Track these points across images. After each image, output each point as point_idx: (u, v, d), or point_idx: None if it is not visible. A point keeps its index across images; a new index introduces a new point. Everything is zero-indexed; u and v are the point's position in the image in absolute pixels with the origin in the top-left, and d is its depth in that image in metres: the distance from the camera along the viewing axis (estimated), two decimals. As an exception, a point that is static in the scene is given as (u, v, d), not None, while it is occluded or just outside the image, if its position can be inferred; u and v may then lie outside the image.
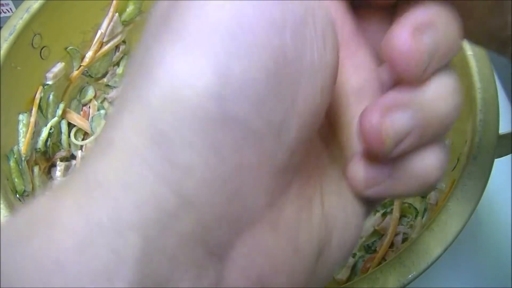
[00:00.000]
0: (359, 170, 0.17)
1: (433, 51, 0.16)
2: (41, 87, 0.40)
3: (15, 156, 0.36)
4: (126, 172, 0.13)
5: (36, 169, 0.40)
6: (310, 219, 0.16)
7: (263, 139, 0.14)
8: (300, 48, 0.14)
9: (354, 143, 0.18)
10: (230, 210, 0.14)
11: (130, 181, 0.13)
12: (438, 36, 0.16)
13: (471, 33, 0.18)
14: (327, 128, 0.18)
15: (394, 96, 0.17)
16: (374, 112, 0.16)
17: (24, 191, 0.36)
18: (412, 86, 0.17)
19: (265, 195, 0.14)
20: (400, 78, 0.17)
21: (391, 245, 0.37)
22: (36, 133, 0.40)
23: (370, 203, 0.18)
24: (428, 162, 0.17)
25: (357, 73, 0.18)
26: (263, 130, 0.14)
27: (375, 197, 0.18)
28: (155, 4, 0.16)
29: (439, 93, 0.17)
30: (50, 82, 0.41)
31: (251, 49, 0.13)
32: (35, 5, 0.37)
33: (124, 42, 0.46)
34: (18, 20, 0.36)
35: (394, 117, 0.16)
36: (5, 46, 0.35)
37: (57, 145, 0.43)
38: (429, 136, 0.17)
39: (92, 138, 0.45)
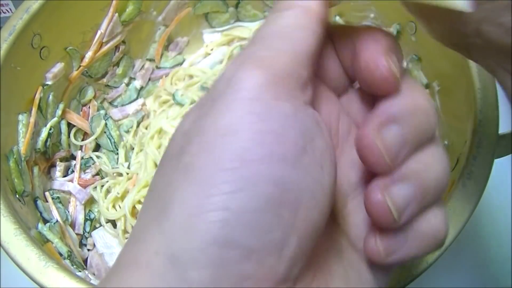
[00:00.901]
0: (376, 243, 0.19)
1: (399, 143, 0.17)
2: (40, 87, 0.40)
3: (14, 156, 0.36)
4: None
5: (35, 169, 0.40)
6: None
7: (263, 256, 0.15)
8: (300, 175, 0.15)
9: (361, 226, 0.20)
10: None
11: None
12: (405, 127, 0.17)
13: (441, 36, 0.19)
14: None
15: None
16: (376, 190, 0.18)
17: (24, 191, 0.36)
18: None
19: None
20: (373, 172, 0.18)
21: (391, 245, 0.37)
22: (35, 133, 0.40)
23: (381, 273, 0.20)
24: (434, 222, 0.19)
25: (354, 169, 0.20)
26: (264, 248, 0.15)
27: (395, 263, 0.19)
28: (173, 135, 0.17)
29: (428, 163, 0.18)
30: (49, 82, 0.41)
31: (252, 182, 0.15)
32: (35, 5, 0.37)
33: (123, 42, 0.46)
34: (18, 20, 0.36)
35: (395, 190, 0.18)
36: (5, 46, 0.35)
37: (57, 145, 0.43)
38: (429, 200, 0.18)
39: (92, 138, 0.45)
